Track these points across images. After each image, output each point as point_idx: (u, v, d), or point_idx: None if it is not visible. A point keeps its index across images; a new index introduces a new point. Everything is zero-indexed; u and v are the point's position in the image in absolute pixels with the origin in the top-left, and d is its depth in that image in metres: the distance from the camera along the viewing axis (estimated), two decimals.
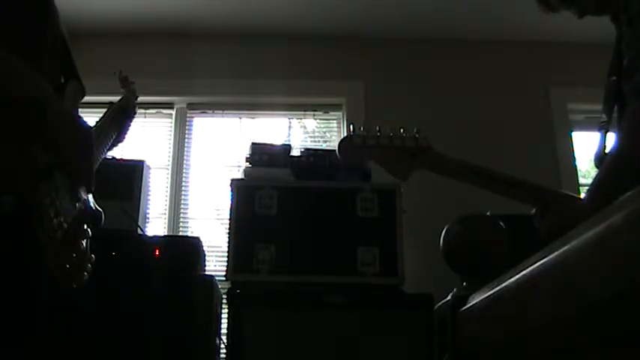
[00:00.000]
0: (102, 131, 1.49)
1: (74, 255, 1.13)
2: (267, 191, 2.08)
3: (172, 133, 3.23)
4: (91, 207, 1.26)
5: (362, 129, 1.35)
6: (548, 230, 1.29)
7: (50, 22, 1.26)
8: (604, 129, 1.43)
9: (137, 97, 1.81)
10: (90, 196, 1.27)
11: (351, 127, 1.36)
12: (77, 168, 1.18)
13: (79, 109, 1.35)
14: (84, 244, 1.18)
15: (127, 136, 1.70)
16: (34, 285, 1.08)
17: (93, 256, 1.21)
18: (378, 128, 1.34)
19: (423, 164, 1.35)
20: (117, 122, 1.60)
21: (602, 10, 1.40)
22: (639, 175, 1.22)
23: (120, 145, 1.68)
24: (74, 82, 1.32)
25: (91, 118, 1.39)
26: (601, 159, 1.43)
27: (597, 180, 1.27)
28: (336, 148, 1.37)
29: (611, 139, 1.44)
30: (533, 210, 1.46)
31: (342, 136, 3.12)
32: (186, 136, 3.23)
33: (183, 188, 3.13)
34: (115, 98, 1.72)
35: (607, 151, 1.43)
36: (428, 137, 1.37)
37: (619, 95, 1.35)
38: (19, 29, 1.15)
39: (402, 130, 1.35)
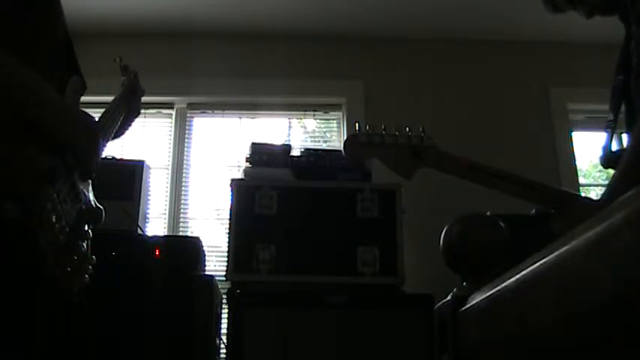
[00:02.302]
0: (113, 112, 1.50)
1: (75, 257, 1.13)
2: (267, 191, 2.08)
3: (172, 133, 3.23)
4: (92, 205, 1.26)
5: (367, 127, 1.36)
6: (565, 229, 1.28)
7: (53, 21, 1.26)
8: (610, 128, 1.43)
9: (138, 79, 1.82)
10: (91, 193, 1.27)
11: (357, 125, 1.37)
12: (86, 164, 1.19)
13: (80, 107, 1.35)
14: (85, 246, 1.19)
15: (137, 115, 1.71)
16: (34, 287, 1.08)
17: (94, 257, 1.21)
18: (383, 127, 1.35)
19: (427, 163, 1.35)
20: (125, 103, 1.62)
21: (610, 10, 1.40)
22: None
23: (130, 127, 1.69)
24: (76, 78, 1.32)
25: None
26: (607, 158, 1.42)
27: (612, 185, 1.26)
28: (342, 146, 1.38)
29: (618, 138, 1.44)
30: (534, 210, 1.45)
31: (342, 136, 3.17)
32: (186, 136, 3.23)
33: (183, 188, 3.13)
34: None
35: (614, 150, 1.42)
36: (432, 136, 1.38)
37: (626, 94, 1.35)
38: (21, 28, 1.15)
39: (407, 129, 1.36)
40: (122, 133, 1.68)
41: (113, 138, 1.57)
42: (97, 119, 1.45)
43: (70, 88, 1.27)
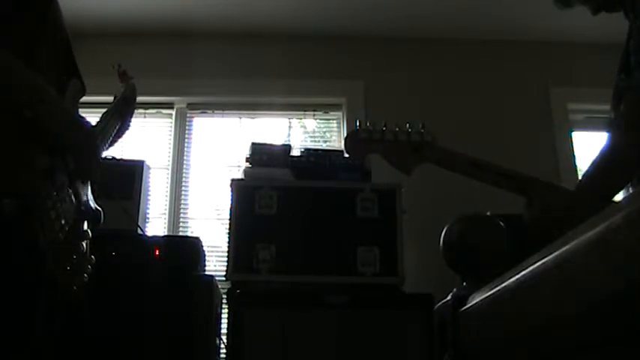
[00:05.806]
0: (106, 124, 1.50)
1: (74, 257, 1.14)
2: (267, 191, 2.08)
3: (172, 133, 3.23)
4: (91, 206, 1.26)
5: (368, 124, 1.37)
6: (531, 216, 1.29)
7: (51, 22, 1.26)
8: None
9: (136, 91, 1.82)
10: (90, 195, 1.27)
11: (357, 122, 1.38)
12: (85, 167, 1.19)
13: (79, 109, 1.36)
14: (84, 246, 1.19)
15: (129, 127, 1.71)
16: (34, 286, 1.08)
17: (93, 257, 1.21)
18: (384, 123, 1.36)
19: (427, 158, 1.36)
20: (119, 113, 1.62)
21: (615, 7, 1.40)
22: (629, 172, 1.23)
23: (122, 138, 1.69)
24: (75, 80, 1.32)
25: (91, 117, 1.40)
26: None
27: (586, 175, 1.28)
28: (342, 142, 1.39)
29: None
30: None
31: (342, 136, 3.17)
32: (186, 136, 3.23)
33: (183, 188, 3.13)
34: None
35: None
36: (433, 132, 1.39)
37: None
38: (20, 29, 1.15)
39: (407, 125, 1.37)
40: (115, 142, 1.68)
41: (107, 147, 1.57)
42: (93, 123, 1.45)
43: (69, 90, 1.27)
